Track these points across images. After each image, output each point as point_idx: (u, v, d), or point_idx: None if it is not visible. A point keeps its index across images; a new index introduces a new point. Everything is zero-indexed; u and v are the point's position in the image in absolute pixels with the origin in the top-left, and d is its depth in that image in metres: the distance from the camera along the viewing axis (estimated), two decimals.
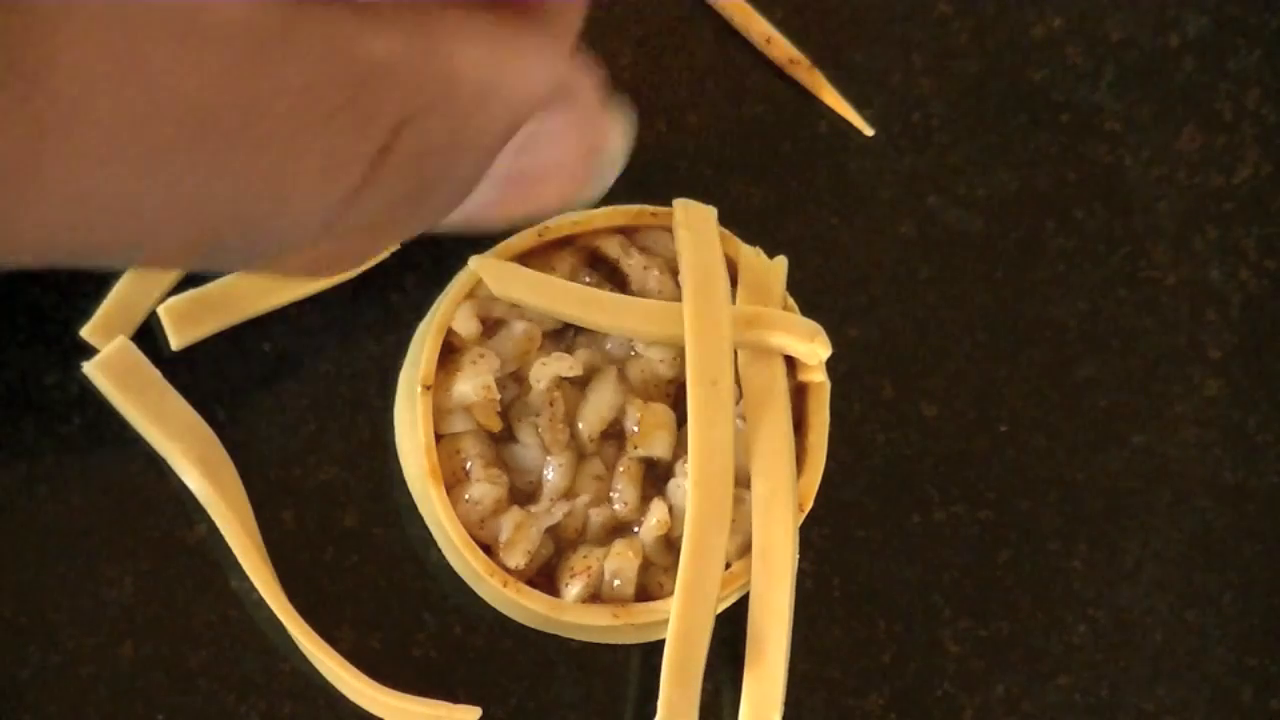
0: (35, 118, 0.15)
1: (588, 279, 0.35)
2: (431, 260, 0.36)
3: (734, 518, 0.34)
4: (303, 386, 0.36)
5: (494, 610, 0.35)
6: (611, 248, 0.35)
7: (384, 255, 0.35)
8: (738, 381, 0.35)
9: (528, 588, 0.34)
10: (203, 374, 0.36)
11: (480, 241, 0.35)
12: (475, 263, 0.34)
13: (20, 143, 0.15)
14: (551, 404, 0.34)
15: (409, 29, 0.18)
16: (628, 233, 0.36)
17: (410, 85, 0.18)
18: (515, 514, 0.34)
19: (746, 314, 0.35)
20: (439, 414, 0.34)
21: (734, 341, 0.35)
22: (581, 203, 0.25)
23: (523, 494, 0.35)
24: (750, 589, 0.35)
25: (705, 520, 0.34)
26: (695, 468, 0.34)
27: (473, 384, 0.34)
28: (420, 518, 0.35)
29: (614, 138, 0.22)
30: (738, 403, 0.35)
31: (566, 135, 0.21)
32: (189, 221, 0.17)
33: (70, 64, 0.15)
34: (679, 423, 0.35)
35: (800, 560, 0.35)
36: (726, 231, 0.36)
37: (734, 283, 0.36)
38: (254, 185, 0.17)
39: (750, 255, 0.36)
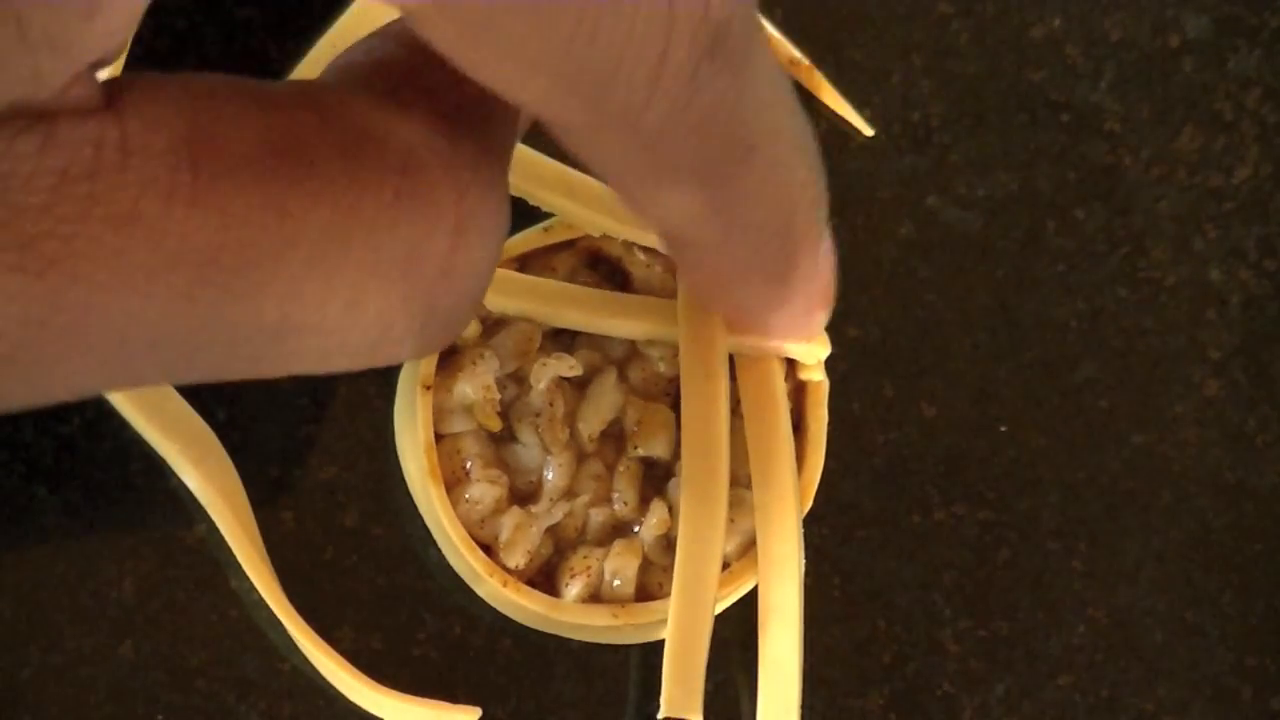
0: None
1: (587, 279, 0.35)
2: None
3: (733, 517, 0.34)
4: (303, 386, 0.36)
5: (494, 610, 0.35)
6: (614, 247, 0.35)
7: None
8: (733, 379, 0.35)
9: (528, 588, 0.34)
10: None
11: None
12: None
13: None
14: (551, 404, 0.34)
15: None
16: None
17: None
18: (515, 514, 0.34)
19: None
20: (439, 414, 0.34)
21: (730, 344, 0.35)
22: None
23: (523, 494, 0.35)
24: (759, 591, 0.34)
25: (700, 516, 0.34)
26: (688, 463, 0.34)
27: (473, 384, 0.34)
28: (420, 518, 0.35)
29: None
30: (736, 405, 0.35)
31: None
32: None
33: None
34: (679, 423, 0.35)
35: None
36: None
37: None
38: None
39: None
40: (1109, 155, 0.39)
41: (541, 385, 0.34)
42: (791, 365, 0.36)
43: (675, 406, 0.35)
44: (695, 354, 0.34)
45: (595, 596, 0.34)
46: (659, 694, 0.34)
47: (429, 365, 0.34)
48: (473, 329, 0.34)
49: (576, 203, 0.34)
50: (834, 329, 0.36)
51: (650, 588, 0.35)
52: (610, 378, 0.35)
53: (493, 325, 0.35)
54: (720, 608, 0.35)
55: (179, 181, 0.16)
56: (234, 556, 0.35)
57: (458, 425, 0.34)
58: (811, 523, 0.36)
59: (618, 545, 0.34)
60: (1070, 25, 0.39)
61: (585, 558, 0.34)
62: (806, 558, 0.35)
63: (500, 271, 0.34)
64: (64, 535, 0.35)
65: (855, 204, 0.38)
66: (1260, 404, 0.38)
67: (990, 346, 0.38)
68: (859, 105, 0.38)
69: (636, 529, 0.35)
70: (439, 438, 0.34)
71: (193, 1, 0.37)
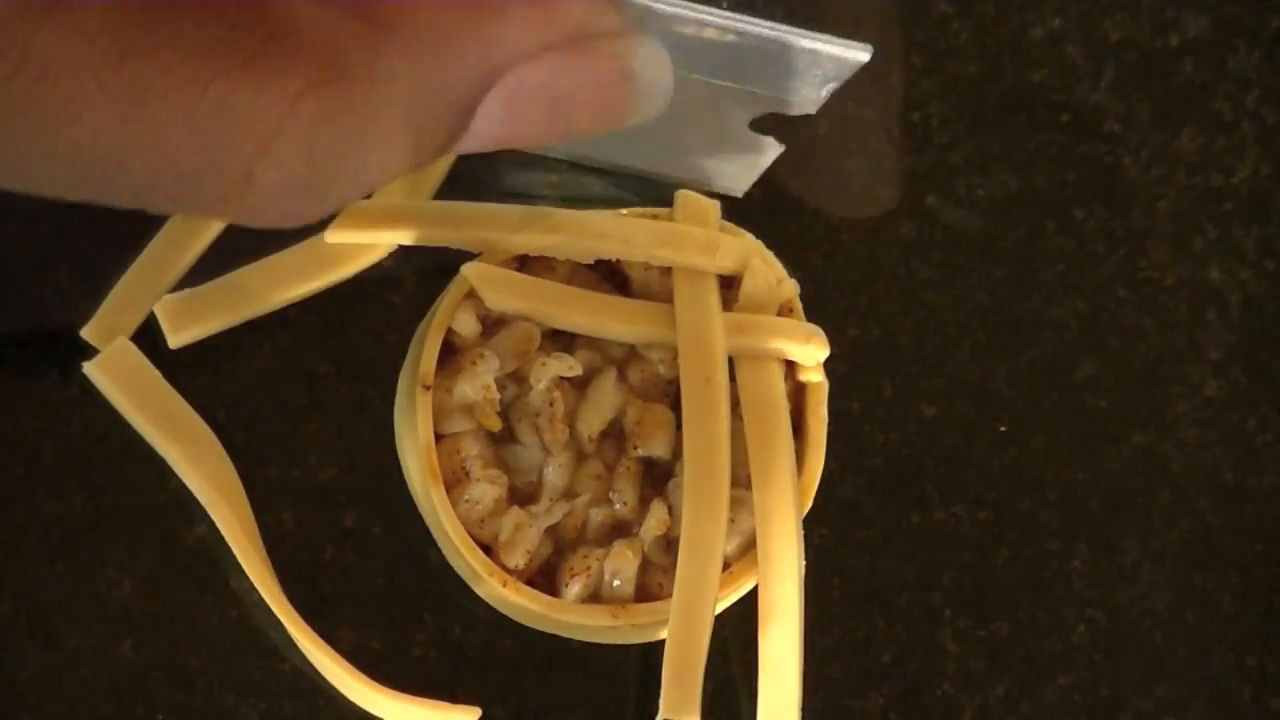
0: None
1: (586, 280, 0.35)
2: (431, 260, 0.36)
3: (733, 517, 0.34)
4: (303, 386, 0.36)
5: (494, 610, 0.35)
6: None
7: (384, 250, 0.36)
8: (733, 379, 0.35)
9: (527, 588, 0.34)
10: (203, 374, 0.36)
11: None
12: (468, 270, 0.34)
13: None
14: (551, 404, 0.34)
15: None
16: None
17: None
18: (515, 514, 0.34)
19: (741, 319, 0.35)
20: (439, 414, 0.34)
21: (730, 347, 0.35)
22: (623, 124, 0.23)
23: (523, 494, 0.35)
24: (759, 591, 0.34)
25: (700, 517, 0.34)
26: (689, 465, 0.34)
27: (473, 384, 0.34)
28: (420, 518, 0.35)
29: (646, 65, 0.21)
30: (736, 405, 0.35)
31: (583, 68, 0.21)
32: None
33: None
34: (679, 423, 0.35)
35: None
36: (733, 226, 0.36)
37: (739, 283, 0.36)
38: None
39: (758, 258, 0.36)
40: (1109, 155, 0.39)
41: (541, 385, 0.34)
42: (791, 366, 0.36)
43: (675, 407, 0.35)
44: (694, 357, 0.35)
45: (595, 596, 0.34)
46: (659, 694, 0.34)
47: (429, 365, 0.34)
48: (473, 329, 0.34)
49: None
50: (834, 329, 0.36)
51: (650, 588, 0.35)
52: (610, 378, 0.35)
53: (493, 325, 0.35)
54: (720, 608, 0.35)
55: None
56: (234, 556, 0.35)
57: (458, 425, 0.34)
58: (811, 523, 0.36)
59: (618, 545, 0.34)
60: (1070, 25, 0.39)
61: (585, 558, 0.34)
62: (806, 558, 0.35)
63: (500, 271, 0.34)
64: (64, 535, 0.35)
65: (855, 204, 0.38)
66: (1260, 404, 0.38)
67: (990, 346, 0.38)
68: (859, 105, 0.38)
69: (636, 529, 0.35)
70: (439, 438, 0.34)
71: None
